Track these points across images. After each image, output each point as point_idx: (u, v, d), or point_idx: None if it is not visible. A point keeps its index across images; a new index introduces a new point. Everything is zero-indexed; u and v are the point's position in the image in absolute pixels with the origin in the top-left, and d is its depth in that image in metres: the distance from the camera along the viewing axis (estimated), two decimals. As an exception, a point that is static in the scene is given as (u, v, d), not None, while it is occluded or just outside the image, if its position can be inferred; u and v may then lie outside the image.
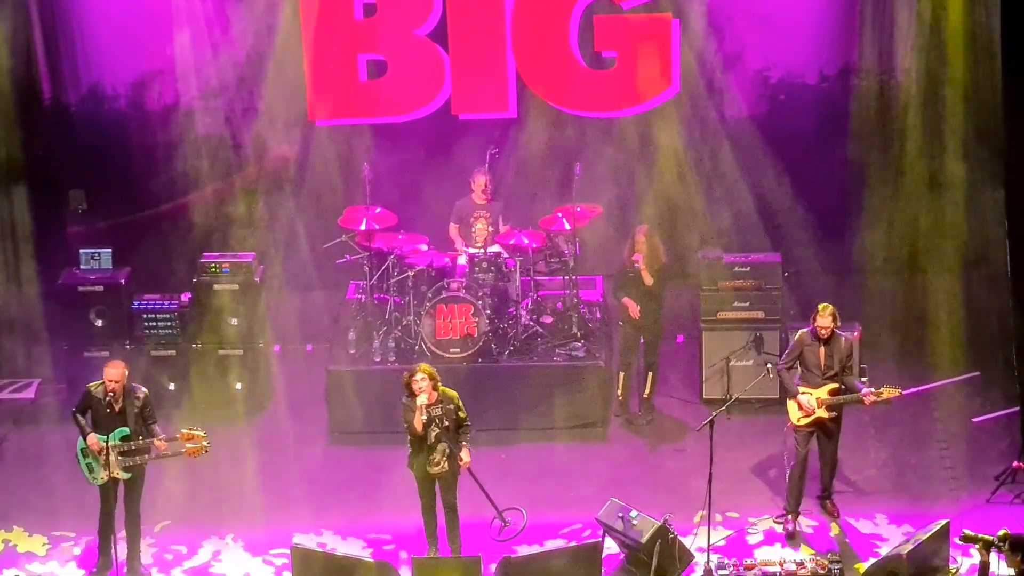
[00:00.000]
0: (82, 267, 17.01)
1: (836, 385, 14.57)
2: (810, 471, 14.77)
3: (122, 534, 14.19)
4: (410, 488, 14.28)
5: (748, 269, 16.77)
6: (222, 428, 15.75)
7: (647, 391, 16.53)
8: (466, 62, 17.79)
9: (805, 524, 14.79)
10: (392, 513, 14.95)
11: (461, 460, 14.07)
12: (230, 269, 16.85)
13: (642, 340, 16.43)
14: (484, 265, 16.58)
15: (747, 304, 16.75)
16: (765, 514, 14.92)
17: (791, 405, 14.65)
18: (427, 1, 17.58)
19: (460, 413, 14.12)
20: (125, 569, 14.21)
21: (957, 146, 17.78)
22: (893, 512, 14.94)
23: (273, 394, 17.08)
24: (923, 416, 16.38)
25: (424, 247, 16.82)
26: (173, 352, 16.81)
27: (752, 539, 14.65)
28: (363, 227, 16.66)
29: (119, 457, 13.92)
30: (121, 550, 14.17)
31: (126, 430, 13.98)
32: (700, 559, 14.03)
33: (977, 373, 16.73)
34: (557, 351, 16.61)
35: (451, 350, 16.39)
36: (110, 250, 17.08)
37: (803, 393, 14.57)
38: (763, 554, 14.37)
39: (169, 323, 16.82)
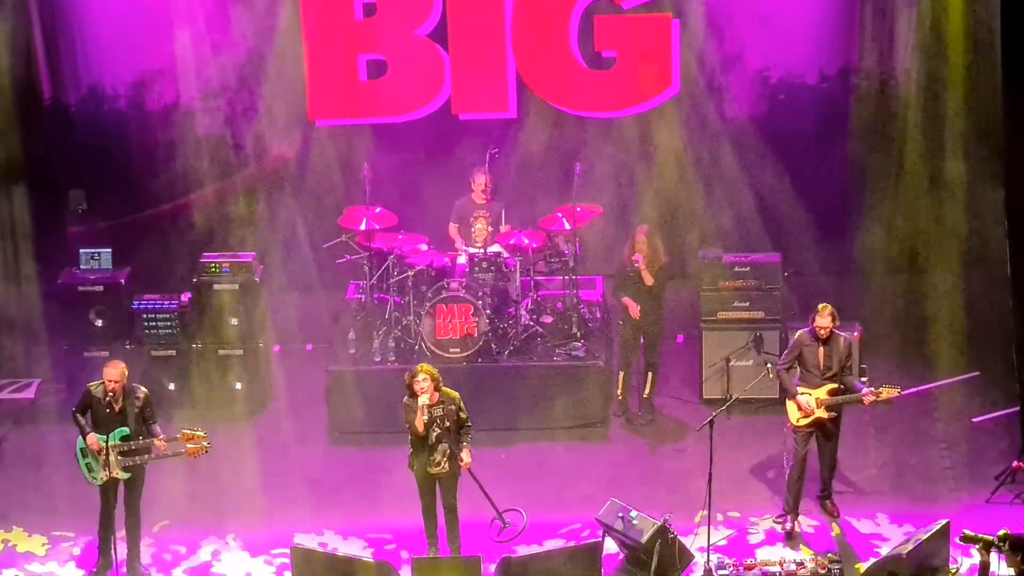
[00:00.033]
0: (82, 267, 17.02)
1: (835, 385, 14.56)
2: (809, 471, 14.77)
3: (121, 534, 14.18)
4: (410, 488, 14.28)
5: (748, 269, 16.77)
6: (222, 428, 15.77)
7: (647, 391, 16.53)
8: (466, 62, 17.78)
9: (805, 524, 14.78)
10: (393, 513, 14.95)
11: (462, 461, 14.07)
12: (230, 269, 16.84)
13: (642, 340, 16.43)
14: (484, 265, 16.58)
15: (747, 304, 16.74)
16: (766, 514, 14.92)
17: (790, 406, 14.64)
18: (427, 1, 17.58)
19: (461, 414, 14.12)
20: (125, 569, 14.21)
21: (957, 146, 17.79)
22: (893, 512, 14.94)
23: (273, 394, 17.08)
24: (923, 416, 16.37)
25: (424, 247, 16.82)
26: (173, 352, 16.80)
27: (753, 539, 14.65)
28: (363, 227, 16.67)
29: (119, 457, 13.91)
30: (121, 550, 14.16)
31: (126, 430, 13.98)
32: (700, 559, 14.02)
33: (977, 373, 16.72)
34: (557, 351, 16.60)
35: (451, 350, 16.39)
36: (110, 250, 17.08)
37: (802, 394, 14.57)
38: (764, 554, 14.37)
39: (169, 323, 16.82)
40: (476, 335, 16.36)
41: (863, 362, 16.53)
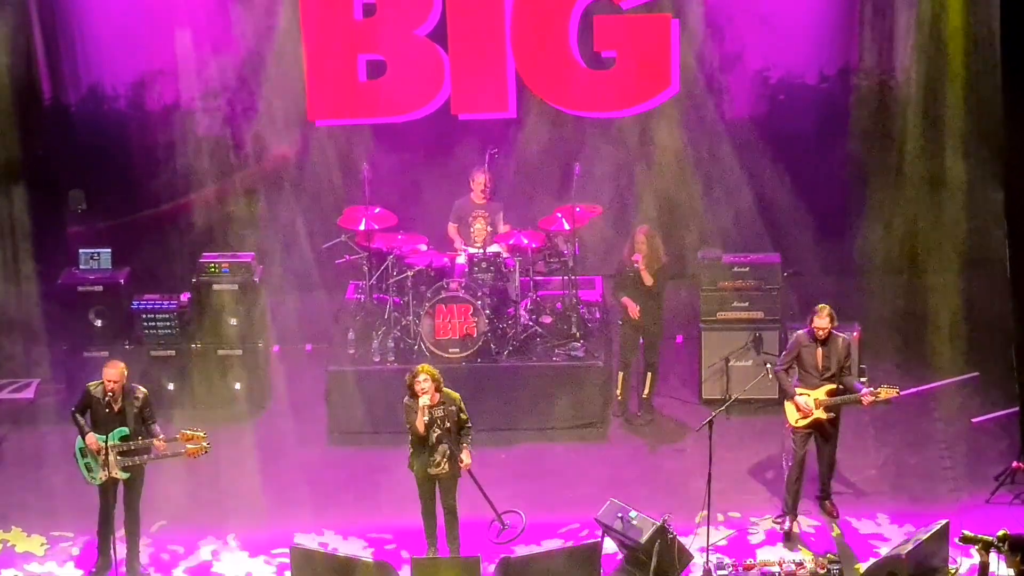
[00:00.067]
0: (82, 267, 17.01)
1: (834, 386, 14.54)
2: (808, 472, 14.76)
3: (120, 534, 14.18)
4: (410, 488, 14.27)
5: (748, 269, 16.76)
6: (222, 428, 15.75)
7: (646, 391, 16.52)
8: (466, 62, 17.78)
9: (806, 524, 14.77)
10: (393, 513, 14.94)
11: (462, 462, 14.06)
12: (230, 269, 16.84)
13: (641, 340, 16.42)
14: (483, 265, 16.58)
15: (747, 304, 16.74)
16: (766, 514, 14.91)
17: (789, 407, 14.61)
18: (427, 1, 17.58)
19: (462, 415, 14.11)
20: (124, 569, 14.20)
21: (957, 146, 17.78)
22: (893, 512, 14.93)
23: (273, 394, 17.08)
24: (923, 416, 16.37)
25: (423, 247, 16.83)
26: (172, 352, 16.81)
27: (754, 539, 14.64)
28: (362, 227, 16.68)
29: (118, 457, 13.91)
30: (120, 550, 14.16)
31: (125, 430, 13.97)
32: (700, 559, 14.01)
33: (976, 373, 16.73)
34: (556, 351, 16.60)
35: (450, 350, 16.39)
36: (110, 250, 17.08)
37: (800, 394, 14.56)
38: (764, 554, 14.36)
39: (168, 323, 16.82)
40: (475, 335, 16.36)
41: (863, 362, 16.53)
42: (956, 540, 12.90)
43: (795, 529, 14.64)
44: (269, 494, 15.42)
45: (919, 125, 17.85)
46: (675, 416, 16.60)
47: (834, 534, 14.71)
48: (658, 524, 13.81)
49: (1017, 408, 15.60)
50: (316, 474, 15.81)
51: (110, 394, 13.94)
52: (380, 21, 17.65)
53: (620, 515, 14.03)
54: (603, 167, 17.99)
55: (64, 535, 14.88)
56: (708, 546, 14.04)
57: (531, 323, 16.75)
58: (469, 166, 17.15)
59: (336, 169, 18.11)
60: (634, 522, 13.93)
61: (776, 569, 14.10)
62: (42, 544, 14.80)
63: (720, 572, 14.02)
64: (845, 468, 15.36)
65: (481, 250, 16.69)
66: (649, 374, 16.49)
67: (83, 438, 13.98)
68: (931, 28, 17.57)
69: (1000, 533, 12.30)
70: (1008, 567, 12.31)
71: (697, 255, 17.25)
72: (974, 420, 16.20)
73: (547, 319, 16.89)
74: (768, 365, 15.31)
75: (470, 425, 14.18)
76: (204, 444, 13.99)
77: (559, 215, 16.72)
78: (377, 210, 16.84)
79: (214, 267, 16.84)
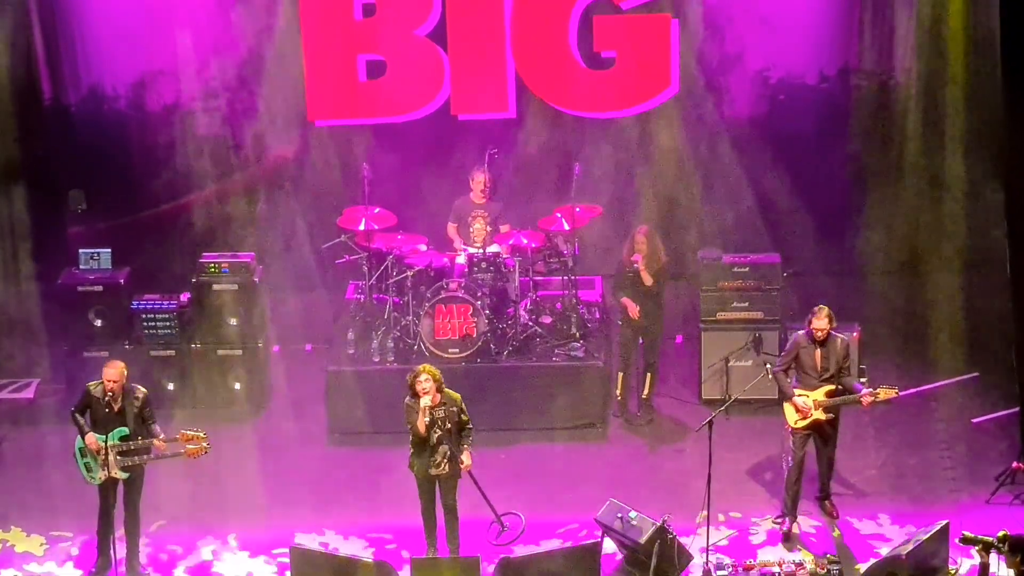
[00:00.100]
0: (81, 267, 17.01)
1: (833, 387, 14.53)
2: (808, 473, 14.75)
3: (120, 533, 14.18)
4: (411, 488, 14.26)
5: (748, 269, 16.75)
6: (222, 428, 15.74)
7: (646, 391, 16.51)
8: (465, 62, 17.78)
9: (807, 524, 14.77)
10: (394, 513, 14.93)
11: (462, 463, 14.06)
12: (230, 269, 16.84)
13: (641, 340, 16.42)
14: (483, 265, 16.58)
15: (746, 304, 16.73)
16: (766, 515, 14.90)
17: (788, 408, 14.60)
18: (426, 1, 17.58)
19: (463, 416, 14.10)
20: (124, 569, 14.20)
21: (957, 146, 17.78)
22: (893, 513, 14.92)
23: (273, 394, 17.08)
24: (923, 417, 16.36)
25: (423, 247, 16.82)
26: (172, 352, 16.80)
27: (755, 539, 14.63)
28: (362, 227, 16.67)
29: (118, 457, 13.91)
30: (120, 550, 14.15)
31: (125, 430, 13.97)
32: (700, 559, 14.01)
33: (976, 374, 16.73)
34: (556, 351, 16.59)
35: (450, 350, 16.38)
36: (110, 250, 17.07)
37: (800, 395, 14.55)
38: (766, 555, 14.35)
39: (168, 323, 16.81)
40: (475, 335, 16.35)
41: (862, 362, 16.52)
42: (956, 541, 12.88)
43: (795, 530, 14.64)
44: (269, 494, 15.42)
45: (919, 125, 17.85)
46: (675, 416, 16.60)
47: (834, 535, 14.70)
48: (658, 524, 13.80)
49: (1017, 408, 15.60)
50: (316, 474, 15.81)
51: (110, 394, 13.94)
52: (380, 21, 17.65)
53: (620, 515, 14.02)
54: (603, 167, 17.99)
55: (63, 535, 14.87)
56: (708, 546, 14.04)
57: (531, 323, 16.74)
58: (469, 166, 17.14)
59: (336, 169, 18.11)
60: (634, 522, 13.93)
61: (776, 570, 14.09)
62: (41, 544, 14.80)
63: (720, 572, 14.02)
64: (845, 469, 15.36)
65: (481, 250, 16.69)
66: (649, 374, 16.48)
67: (83, 438, 13.98)
68: (931, 28, 17.57)
69: (1000, 534, 12.28)
70: (1008, 568, 12.30)
71: (697, 255, 17.24)
72: (974, 420, 16.20)
73: (547, 319, 16.89)
74: (768, 365, 15.30)
75: (471, 426, 14.18)
76: (204, 444, 13.98)
77: (559, 215, 16.72)
78: (377, 210, 16.84)
79: (214, 267, 16.83)
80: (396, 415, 14.38)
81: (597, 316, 17.20)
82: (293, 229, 18.17)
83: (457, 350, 16.39)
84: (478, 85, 17.86)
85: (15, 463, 16.14)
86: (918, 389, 16.20)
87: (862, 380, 15.62)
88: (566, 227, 16.65)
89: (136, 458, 14.01)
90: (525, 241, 16.62)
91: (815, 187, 18.00)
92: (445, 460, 14.03)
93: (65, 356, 16.89)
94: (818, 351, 14.51)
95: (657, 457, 16.04)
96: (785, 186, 18.01)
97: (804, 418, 14.51)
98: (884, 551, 14.21)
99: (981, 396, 16.53)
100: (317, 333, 17.69)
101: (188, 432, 13.99)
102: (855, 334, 16.21)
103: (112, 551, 14.05)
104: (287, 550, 14.09)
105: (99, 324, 16.83)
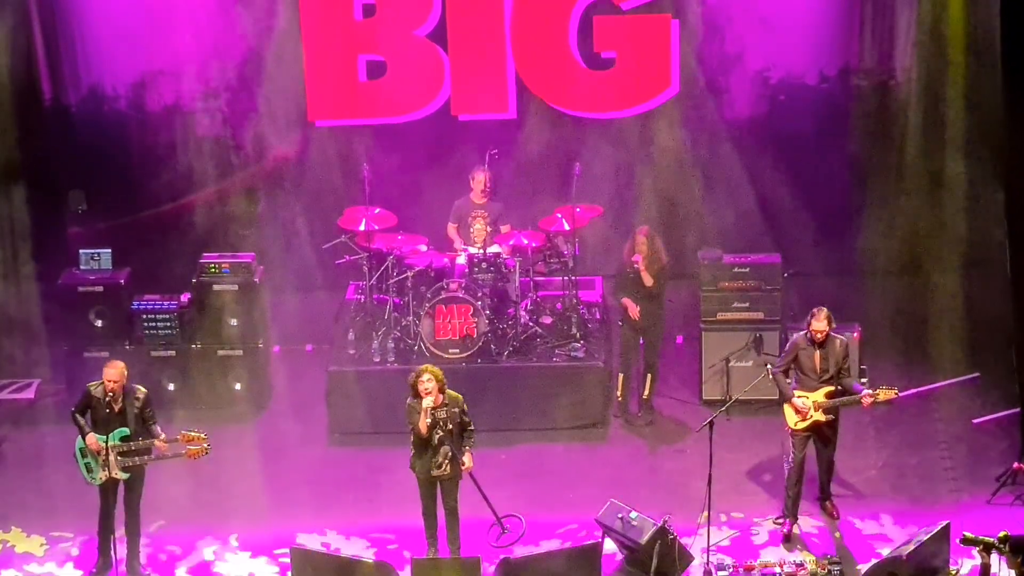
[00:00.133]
0: (82, 267, 17.01)
1: (832, 388, 14.53)
2: (808, 473, 14.75)
3: (120, 533, 14.18)
4: (412, 488, 14.27)
5: (748, 269, 16.75)
6: (222, 428, 15.73)
7: (646, 392, 16.51)
8: (465, 63, 17.78)
9: (808, 525, 14.77)
10: (395, 513, 14.93)
11: (463, 465, 14.06)
12: (230, 269, 16.84)
13: (641, 341, 16.42)
14: (483, 266, 16.58)
15: (747, 304, 16.73)
16: (767, 515, 14.90)
17: (787, 410, 14.59)
18: (426, 1, 17.58)
19: (464, 417, 14.11)
20: (124, 569, 14.20)
21: (957, 146, 17.78)
22: (894, 513, 14.92)
23: (273, 394, 17.08)
24: (923, 417, 16.36)
25: (423, 248, 16.83)
26: (173, 352, 16.81)
27: (757, 540, 14.64)
28: (362, 227, 16.67)
29: (118, 457, 13.91)
30: (120, 550, 14.15)
31: (126, 430, 13.97)
32: (700, 560, 14.01)
33: (977, 374, 16.73)
34: (556, 352, 16.60)
35: (450, 350, 16.39)
36: (110, 250, 17.07)
37: (799, 396, 14.54)
38: (767, 555, 14.35)
39: (169, 323, 16.82)
40: (475, 336, 16.35)
41: (863, 363, 16.52)
42: (957, 542, 12.87)
43: (795, 531, 14.64)
44: (270, 494, 15.43)
45: (919, 125, 17.84)
46: (675, 417, 16.60)
47: (835, 535, 14.70)
48: (658, 525, 13.81)
49: (1018, 409, 15.60)
50: (317, 474, 15.81)
51: (110, 394, 13.94)
52: (380, 21, 17.65)
53: (620, 516, 14.03)
54: (603, 167, 17.98)
55: (64, 535, 14.87)
56: (709, 547, 14.04)
57: (531, 323, 16.74)
58: (469, 166, 17.14)
59: (336, 169, 18.10)
60: (634, 523, 13.93)
61: (776, 570, 14.10)
62: (42, 544, 14.80)
63: (721, 573, 14.02)
64: (846, 469, 15.36)
65: (481, 250, 16.69)
66: (649, 375, 16.48)
67: (83, 438, 13.98)
68: (931, 28, 17.57)
69: (1001, 534, 12.27)
70: (1009, 568, 12.29)
71: (697, 255, 17.23)
72: (975, 421, 16.20)
73: (547, 319, 16.89)
74: (768, 366, 15.30)
75: (472, 428, 14.18)
76: (205, 445, 13.99)
77: (559, 215, 16.72)
78: (377, 210, 16.84)
79: (214, 267, 16.83)
80: (397, 415, 14.40)
81: (597, 316, 17.20)
82: (293, 229, 18.17)
83: (457, 350, 16.39)
84: (478, 85, 17.87)
85: (15, 463, 16.14)
86: (918, 390, 16.20)
87: (862, 381, 15.63)
88: (566, 227, 16.65)
89: (137, 458, 14.01)
90: (525, 241, 16.62)
91: (815, 187, 18.00)
92: (447, 461, 14.03)
93: (65, 356, 16.89)
94: (817, 352, 14.51)
95: (657, 457, 16.04)
96: (785, 186, 18.01)
97: (803, 419, 14.51)
98: (885, 551, 14.21)
99: (981, 396, 16.54)
100: (318, 333, 17.68)
101: (189, 433, 13.99)
102: (855, 334, 16.21)
103: (112, 551, 14.07)
104: (288, 550, 14.10)
105: (99, 324, 16.83)
